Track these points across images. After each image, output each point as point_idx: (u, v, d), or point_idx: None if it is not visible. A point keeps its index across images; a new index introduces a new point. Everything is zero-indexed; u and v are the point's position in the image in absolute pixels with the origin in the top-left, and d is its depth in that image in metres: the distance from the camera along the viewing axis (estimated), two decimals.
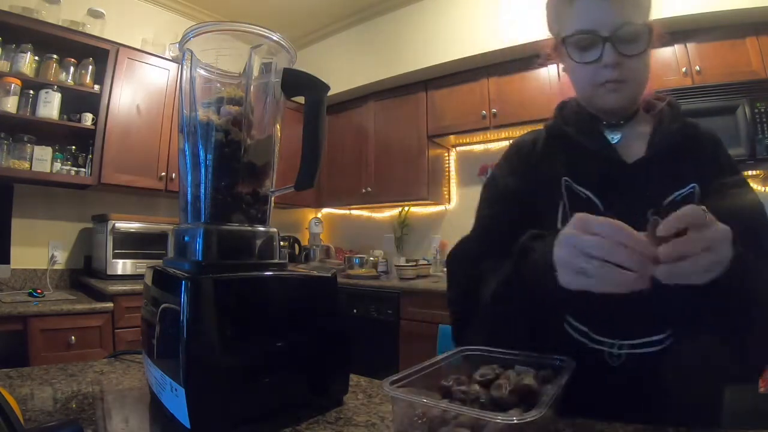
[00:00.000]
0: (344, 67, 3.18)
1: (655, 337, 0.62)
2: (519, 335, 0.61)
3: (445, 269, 0.76)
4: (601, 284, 0.45)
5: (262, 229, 0.62)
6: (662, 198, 0.66)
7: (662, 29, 0.69)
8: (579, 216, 0.48)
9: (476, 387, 0.48)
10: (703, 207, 0.44)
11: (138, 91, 2.48)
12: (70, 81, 2.31)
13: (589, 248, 0.45)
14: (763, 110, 1.83)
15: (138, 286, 2.04)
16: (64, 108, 2.28)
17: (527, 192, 0.73)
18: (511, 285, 0.60)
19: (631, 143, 0.70)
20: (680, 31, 2.08)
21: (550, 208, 0.70)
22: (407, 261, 3.00)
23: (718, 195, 0.65)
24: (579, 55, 0.67)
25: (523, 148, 0.79)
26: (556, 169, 0.72)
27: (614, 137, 0.71)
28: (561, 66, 0.76)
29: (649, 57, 0.67)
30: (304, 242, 3.57)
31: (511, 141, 0.82)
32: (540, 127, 0.81)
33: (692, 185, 0.65)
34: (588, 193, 0.68)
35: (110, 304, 2.03)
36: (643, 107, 0.74)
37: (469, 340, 0.64)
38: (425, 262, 2.94)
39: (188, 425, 0.48)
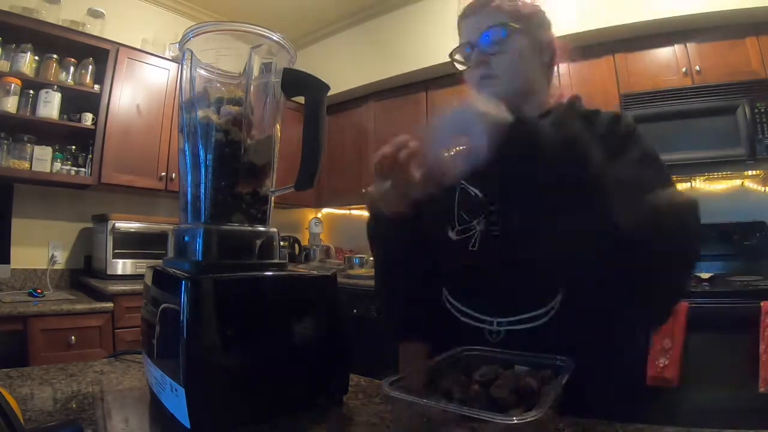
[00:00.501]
0: (344, 67, 3.18)
1: (534, 312, 0.66)
2: (399, 308, 0.81)
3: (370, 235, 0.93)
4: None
5: (262, 229, 0.62)
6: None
7: (562, 44, 0.78)
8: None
9: (476, 387, 0.48)
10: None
11: (138, 91, 2.48)
12: (70, 81, 2.31)
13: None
14: (763, 110, 1.83)
15: (138, 286, 2.04)
16: (64, 108, 2.28)
17: (431, 197, 0.74)
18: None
19: None
20: (680, 31, 2.08)
21: (447, 212, 0.76)
22: None
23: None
24: (461, 65, 0.77)
25: None
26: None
27: None
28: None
29: (523, 57, 0.73)
30: (304, 242, 3.57)
31: None
32: None
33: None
34: (476, 190, 0.74)
35: (110, 304, 2.03)
36: (547, 112, 0.77)
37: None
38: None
39: (188, 425, 0.48)
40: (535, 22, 0.75)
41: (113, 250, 2.28)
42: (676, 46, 2.11)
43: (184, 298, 0.50)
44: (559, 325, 0.65)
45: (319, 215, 3.75)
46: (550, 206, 0.62)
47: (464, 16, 0.77)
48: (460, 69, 0.78)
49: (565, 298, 0.66)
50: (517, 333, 0.67)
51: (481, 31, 0.72)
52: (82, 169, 2.36)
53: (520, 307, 0.67)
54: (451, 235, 0.75)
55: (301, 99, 0.62)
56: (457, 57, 0.78)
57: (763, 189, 2.12)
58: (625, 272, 0.57)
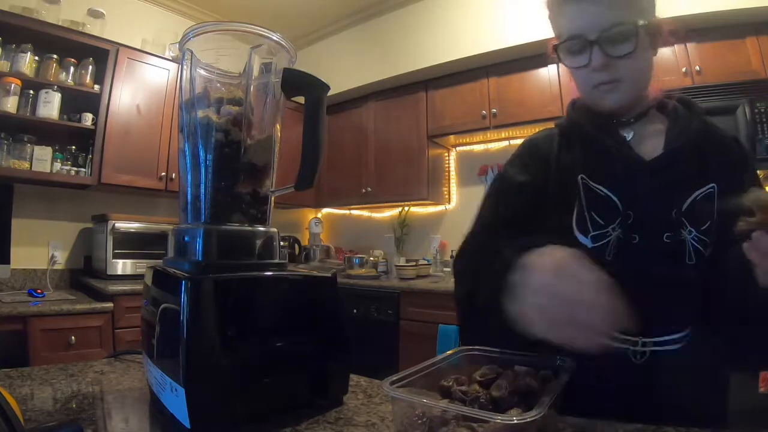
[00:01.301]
0: (344, 67, 3.18)
1: (675, 335, 0.62)
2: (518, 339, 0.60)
3: (452, 268, 0.75)
4: (554, 334, 0.45)
5: (262, 229, 0.62)
6: (681, 197, 0.65)
7: (669, 26, 0.69)
8: (565, 255, 0.48)
9: (476, 387, 0.48)
10: None
11: (138, 91, 2.48)
12: (70, 81, 2.31)
13: (565, 296, 0.45)
14: (763, 110, 1.83)
15: (138, 286, 2.04)
16: (64, 108, 2.28)
17: (539, 190, 0.72)
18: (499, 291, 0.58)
19: (645, 141, 0.70)
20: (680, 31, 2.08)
21: (564, 206, 0.69)
22: (407, 261, 3.00)
23: (736, 194, 0.64)
24: (571, 60, 0.68)
25: (536, 145, 0.77)
26: (571, 166, 0.70)
27: (627, 134, 0.70)
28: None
29: (647, 55, 0.67)
30: (304, 242, 3.57)
31: (522, 139, 0.81)
32: (546, 125, 0.80)
33: (711, 185, 0.65)
34: (606, 191, 0.67)
35: (110, 304, 2.03)
36: (656, 106, 0.73)
37: (470, 340, 0.64)
38: (425, 262, 2.94)
39: (188, 425, 0.48)
40: (649, 7, 0.66)
41: (113, 250, 2.28)
42: (676, 46, 2.10)
43: (184, 298, 0.50)
44: (701, 347, 0.62)
45: (319, 215, 3.75)
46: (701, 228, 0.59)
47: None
48: (569, 67, 0.69)
49: (704, 323, 0.63)
50: (662, 355, 0.62)
51: (600, 26, 0.62)
52: (82, 169, 2.36)
53: (665, 328, 0.62)
54: (585, 241, 0.67)
55: (301, 99, 0.62)
56: (563, 50, 0.68)
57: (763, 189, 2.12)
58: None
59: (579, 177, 0.68)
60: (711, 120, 0.71)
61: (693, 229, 0.63)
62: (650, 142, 0.69)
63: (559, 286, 0.45)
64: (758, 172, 2.24)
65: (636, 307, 0.59)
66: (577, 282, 0.45)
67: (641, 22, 0.63)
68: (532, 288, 0.48)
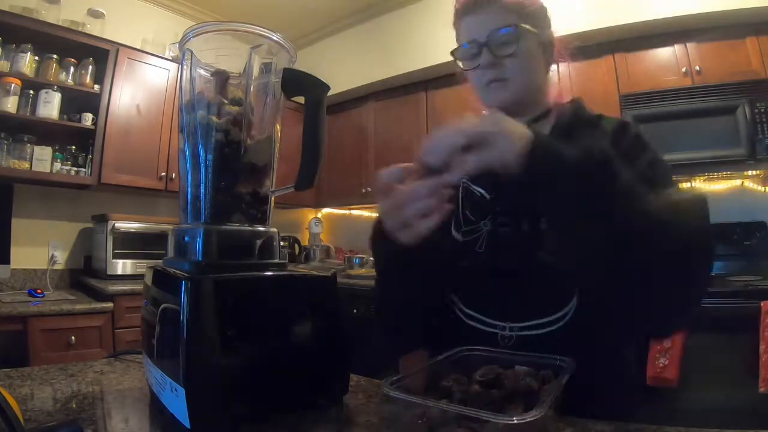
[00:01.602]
0: (344, 67, 3.18)
1: (548, 318, 0.65)
2: (406, 315, 0.73)
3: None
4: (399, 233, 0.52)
5: (262, 229, 0.62)
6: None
7: (564, 43, 0.78)
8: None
9: (476, 387, 0.48)
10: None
11: (138, 91, 2.48)
12: (70, 81, 2.31)
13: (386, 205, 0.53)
14: (763, 110, 1.83)
15: (138, 286, 2.04)
16: (64, 108, 2.28)
17: None
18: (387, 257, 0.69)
19: None
20: (680, 31, 2.08)
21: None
22: None
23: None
24: (466, 63, 0.75)
25: None
26: None
27: None
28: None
29: (535, 61, 0.72)
30: (304, 242, 3.57)
31: None
32: None
33: None
34: (480, 190, 0.73)
35: (110, 304, 2.03)
36: (554, 114, 0.76)
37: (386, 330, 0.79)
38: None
39: (188, 425, 0.48)
40: (540, 20, 0.73)
41: (113, 250, 2.28)
42: (676, 46, 2.10)
43: (184, 298, 0.50)
44: (572, 330, 0.64)
45: (319, 215, 3.75)
46: (565, 210, 0.60)
47: (466, 12, 0.73)
48: (464, 69, 0.76)
49: (580, 304, 0.64)
50: (529, 338, 0.65)
51: (489, 30, 0.69)
52: (82, 169, 2.36)
53: (534, 312, 0.66)
54: (457, 236, 0.74)
55: (301, 99, 0.62)
56: (460, 56, 0.75)
57: (763, 189, 2.12)
58: (641, 275, 0.53)
59: (461, 181, 0.73)
60: (596, 113, 0.75)
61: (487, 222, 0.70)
62: None
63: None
64: (758, 172, 2.21)
65: (504, 293, 0.67)
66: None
67: (525, 26, 0.69)
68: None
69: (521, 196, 0.68)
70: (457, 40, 0.78)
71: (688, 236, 0.54)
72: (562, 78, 2.39)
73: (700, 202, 0.59)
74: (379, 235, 0.63)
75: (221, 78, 0.62)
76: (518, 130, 0.50)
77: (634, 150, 0.67)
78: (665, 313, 0.58)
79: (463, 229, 0.73)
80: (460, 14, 0.75)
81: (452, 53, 0.76)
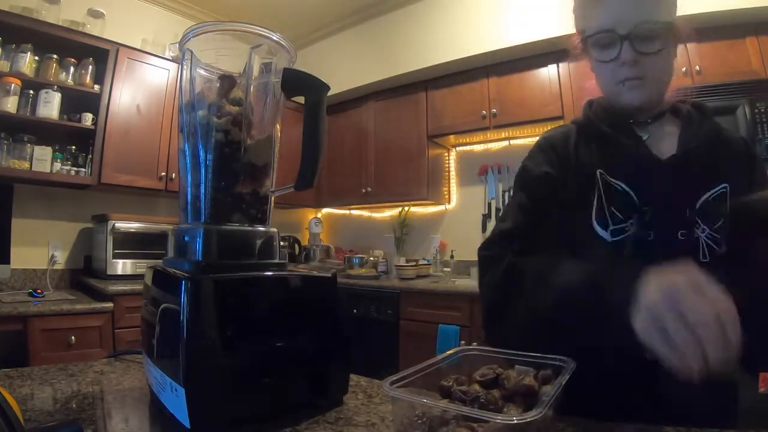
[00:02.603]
0: (344, 67, 3.18)
1: None
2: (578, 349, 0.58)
3: (478, 257, 0.74)
4: (676, 358, 0.43)
5: (262, 229, 0.62)
6: (694, 196, 0.66)
7: (687, 26, 0.70)
8: (673, 285, 0.45)
9: (476, 387, 0.48)
10: None
11: (138, 91, 2.48)
12: (70, 81, 2.31)
13: (693, 315, 0.42)
14: (763, 110, 1.83)
15: (138, 286, 2.04)
16: (64, 108, 2.28)
17: (559, 182, 0.73)
18: (575, 307, 0.56)
19: (660, 142, 0.71)
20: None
21: (582, 200, 0.70)
22: (407, 261, 3.00)
23: (746, 194, 0.66)
24: (599, 54, 0.68)
25: (553, 141, 0.78)
26: (590, 161, 0.72)
27: (643, 135, 0.72)
28: (589, 64, 0.77)
29: (670, 56, 0.68)
30: (304, 242, 3.57)
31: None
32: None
33: (723, 185, 0.66)
34: (624, 186, 0.68)
35: (110, 304, 2.03)
36: (669, 109, 0.75)
37: (507, 334, 0.65)
38: (425, 262, 2.94)
39: (188, 425, 0.48)
40: (673, 10, 0.67)
41: (113, 250, 2.28)
42: None
43: (184, 298, 0.50)
44: None
45: (319, 215, 3.75)
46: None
47: None
48: (596, 58, 0.69)
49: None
50: None
51: (633, 22, 0.63)
52: (82, 169, 2.36)
53: None
54: (605, 234, 0.67)
55: (301, 99, 0.62)
56: (592, 43, 0.68)
57: None
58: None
59: (597, 172, 0.69)
60: (720, 123, 0.73)
61: (706, 227, 0.65)
62: (664, 143, 0.71)
63: (689, 309, 0.43)
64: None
65: None
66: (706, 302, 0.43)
67: (671, 21, 0.64)
68: (662, 295, 0.45)
69: (677, 197, 0.64)
70: (581, 21, 0.72)
71: None
72: (562, 77, 2.39)
73: None
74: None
75: (228, 83, 0.62)
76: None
77: (758, 169, 0.69)
78: None
79: (611, 228, 0.66)
80: None
81: (585, 37, 0.69)
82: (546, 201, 0.72)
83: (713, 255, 0.64)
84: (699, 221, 0.65)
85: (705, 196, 0.66)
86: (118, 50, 2.40)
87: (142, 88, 2.50)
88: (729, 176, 0.67)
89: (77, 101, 2.32)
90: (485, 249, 0.74)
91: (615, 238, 0.66)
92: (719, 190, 0.66)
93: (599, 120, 0.75)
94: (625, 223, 0.66)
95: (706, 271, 0.60)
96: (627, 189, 0.68)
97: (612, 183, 0.69)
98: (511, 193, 0.80)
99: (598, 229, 0.68)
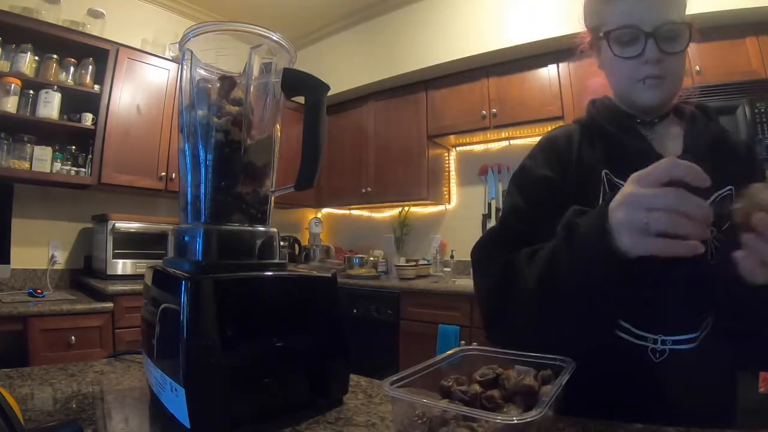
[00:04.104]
0: (344, 67, 3.18)
1: (692, 335, 0.62)
2: (565, 330, 0.58)
3: (472, 261, 0.73)
4: (667, 244, 0.43)
5: (262, 229, 0.62)
6: (702, 197, 0.66)
7: (697, 26, 0.69)
8: (636, 174, 0.47)
9: (476, 387, 0.48)
10: None
11: (138, 91, 2.48)
12: (70, 81, 2.31)
13: (653, 201, 0.43)
14: (763, 110, 1.83)
15: (138, 286, 2.04)
16: (64, 108, 2.28)
17: (563, 183, 0.72)
18: (557, 267, 0.55)
19: (665, 142, 0.71)
20: None
21: (586, 200, 0.69)
22: (407, 261, 3.00)
23: None
24: (620, 50, 0.67)
25: (555, 141, 0.77)
26: (594, 161, 0.71)
27: (648, 135, 0.71)
28: (597, 61, 0.76)
29: (686, 57, 0.68)
30: (304, 242, 3.57)
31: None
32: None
33: (729, 187, 0.66)
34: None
35: (110, 304, 2.03)
36: (674, 110, 0.74)
37: (506, 333, 0.64)
38: (425, 262, 2.95)
39: (188, 425, 0.48)
40: (684, 8, 0.67)
41: (113, 250, 2.28)
42: None
43: (184, 298, 0.50)
44: (712, 347, 0.62)
45: (319, 215, 3.75)
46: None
47: None
48: (616, 54, 0.67)
49: (715, 322, 0.63)
50: (679, 352, 0.62)
51: (658, 20, 0.63)
52: (82, 169, 2.36)
53: (685, 326, 0.62)
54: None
55: (301, 99, 0.62)
56: (613, 39, 0.67)
57: None
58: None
59: (603, 172, 0.69)
60: (723, 125, 0.73)
61: (713, 229, 0.64)
62: (669, 143, 0.71)
63: (646, 191, 0.45)
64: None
65: (657, 304, 0.61)
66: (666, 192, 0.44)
67: (688, 23, 0.64)
68: (621, 203, 0.47)
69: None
70: (597, 15, 0.72)
71: None
72: (562, 77, 2.39)
73: None
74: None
75: (228, 84, 0.62)
76: None
77: (761, 172, 0.69)
78: None
79: None
80: None
81: (607, 32, 0.68)
82: (543, 205, 0.71)
83: (719, 257, 0.64)
84: None
85: (712, 198, 0.65)
86: (118, 50, 2.40)
87: (142, 88, 2.50)
88: (733, 178, 0.66)
89: (77, 101, 2.32)
90: (478, 250, 0.73)
91: None
92: (725, 191, 0.66)
93: (603, 119, 0.74)
94: None
95: (713, 272, 0.60)
96: None
97: (617, 184, 0.68)
98: (509, 190, 0.79)
99: None
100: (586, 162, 0.72)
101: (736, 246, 0.60)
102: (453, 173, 3.15)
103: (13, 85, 2.10)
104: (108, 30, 2.50)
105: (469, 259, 0.74)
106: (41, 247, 2.42)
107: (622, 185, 0.66)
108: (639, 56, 0.65)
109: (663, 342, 0.62)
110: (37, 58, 2.23)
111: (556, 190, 0.71)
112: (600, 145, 0.73)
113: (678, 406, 0.59)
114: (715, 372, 0.59)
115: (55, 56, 2.25)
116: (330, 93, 0.64)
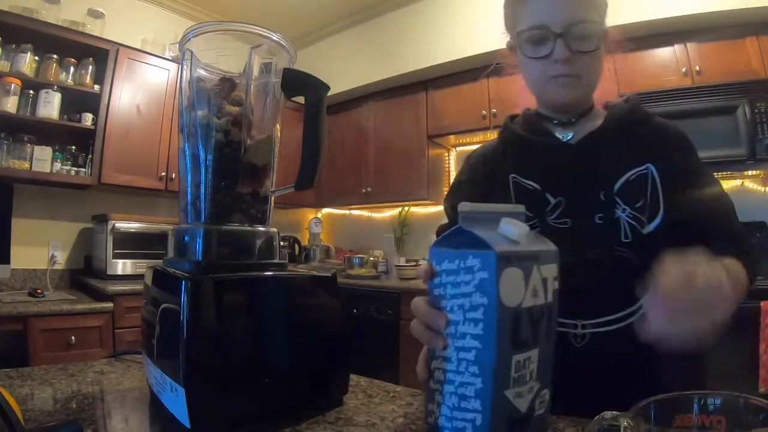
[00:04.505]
0: (344, 67, 3.18)
1: (612, 316, 0.63)
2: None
3: None
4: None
5: (262, 229, 0.62)
6: (612, 177, 0.67)
7: (620, 35, 0.72)
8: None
9: None
10: None
11: (138, 91, 2.48)
12: (70, 81, 2.31)
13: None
14: (763, 110, 1.83)
15: (138, 286, 2.04)
16: (64, 108, 2.28)
17: (483, 196, 0.75)
18: None
19: (582, 138, 0.72)
20: (680, 31, 2.08)
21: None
22: (407, 261, 3.00)
23: (677, 179, 0.66)
24: (531, 50, 0.68)
25: (483, 155, 0.82)
26: (504, 169, 0.74)
27: (566, 136, 0.73)
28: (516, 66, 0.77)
29: (601, 56, 0.69)
30: (304, 242, 3.57)
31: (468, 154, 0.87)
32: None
33: (647, 165, 0.66)
34: (534, 184, 0.70)
35: (110, 304, 2.03)
36: (602, 106, 0.75)
37: None
38: (425, 262, 2.94)
39: (188, 425, 0.48)
40: (605, 10, 0.68)
41: (113, 250, 2.28)
42: (676, 46, 2.11)
43: (184, 298, 0.50)
44: (632, 328, 0.61)
45: (319, 215, 3.75)
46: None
47: None
48: (527, 54, 0.68)
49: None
50: (602, 336, 0.63)
51: (566, 20, 0.63)
52: (82, 169, 2.37)
53: (604, 308, 0.64)
54: None
55: (301, 99, 0.62)
56: (525, 39, 0.68)
57: (763, 189, 2.12)
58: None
59: (510, 177, 0.72)
60: (649, 111, 0.73)
61: (627, 207, 0.65)
62: (585, 137, 0.72)
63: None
64: (758, 172, 2.22)
65: (574, 290, 0.61)
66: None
67: (601, 20, 0.66)
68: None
69: (590, 181, 0.67)
70: (512, 18, 0.73)
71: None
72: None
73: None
74: None
75: (229, 86, 0.62)
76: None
77: (688, 152, 0.69)
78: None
79: None
80: None
81: (520, 32, 0.68)
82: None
83: (637, 235, 0.64)
84: (619, 202, 0.65)
85: (625, 177, 0.66)
86: (118, 50, 2.40)
87: (142, 88, 2.50)
88: (654, 157, 0.66)
89: (77, 101, 2.32)
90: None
91: None
92: (641, 170, 0.66)
93: (518, 127, 0.77)
94: (534, 220, 0.68)
95: (628, 251, 0.64)
96: (536, 186, 0.70)
97: (523, 184, 0.71)
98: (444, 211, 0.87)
99: None
100: (499, 171, 0.75)
101: (660, 224, 0.63)
102: (453, 173, 3.15)
103: (13, 85, 2.11)
104: (108, 30, 2.50)
105: None
106: (41, 247, 2.42)
107: (528, 184, 0.71)
108: (548, 56, 0.65)
109: (583, 326, 0.64)
110: (37, 58, 2.23)
111: (477, 198, 0.74)
112: (511, 153, 0.76)
113: (605, 391, 0.56)
114: (639, 353, 0.54)
115: (55, 56, 2.25)
116: (330, 93, 0.64)
